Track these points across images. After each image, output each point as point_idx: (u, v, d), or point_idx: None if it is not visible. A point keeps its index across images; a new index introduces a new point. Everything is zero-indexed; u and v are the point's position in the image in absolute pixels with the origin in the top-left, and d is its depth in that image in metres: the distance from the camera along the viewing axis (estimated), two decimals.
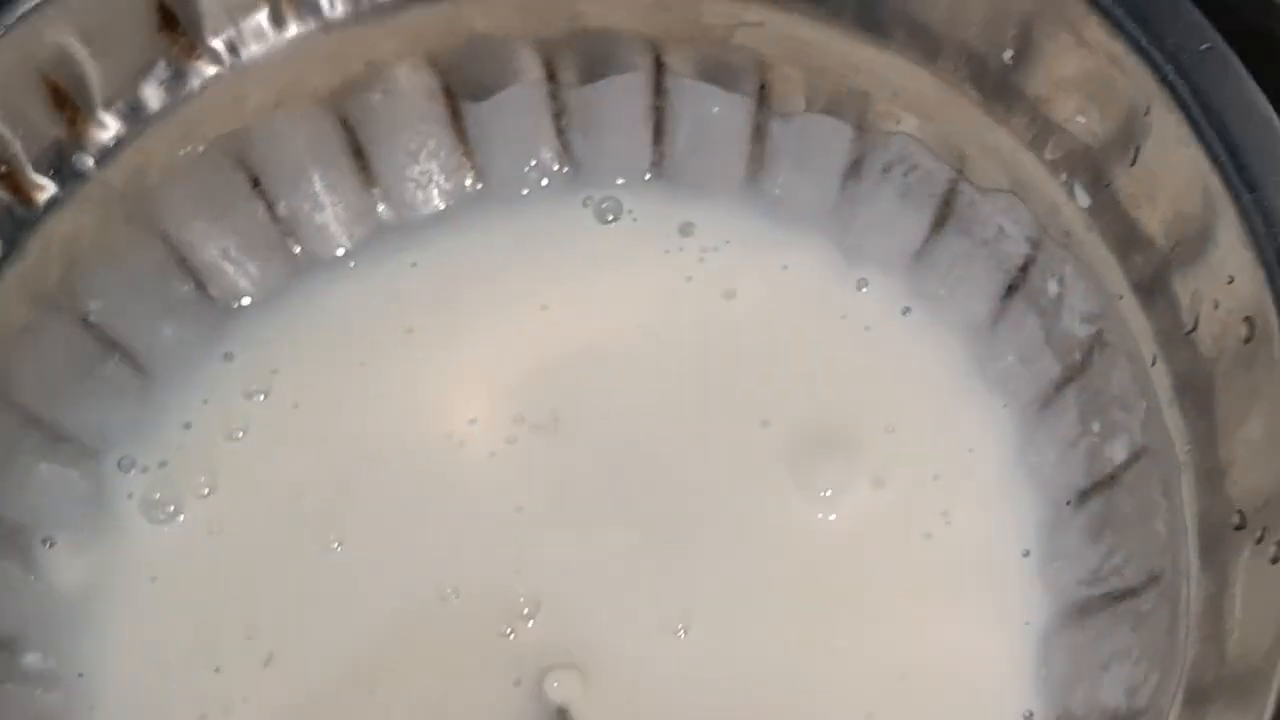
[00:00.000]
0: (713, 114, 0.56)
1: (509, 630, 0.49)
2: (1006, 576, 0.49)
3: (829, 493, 0.51)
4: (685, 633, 0.49)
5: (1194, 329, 0.42)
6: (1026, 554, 0.49)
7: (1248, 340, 0.39)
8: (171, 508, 0.52)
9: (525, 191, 0.58)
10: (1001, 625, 0.48)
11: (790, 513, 0.51)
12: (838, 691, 0.48)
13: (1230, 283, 0.40)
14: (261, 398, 0.54)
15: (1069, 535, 0.49)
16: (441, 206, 0.58)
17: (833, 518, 0.51)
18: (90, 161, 0.50)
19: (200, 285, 0.55)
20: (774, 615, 0.50)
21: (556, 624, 0.50)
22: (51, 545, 0.51)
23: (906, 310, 0.54)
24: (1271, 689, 0.34)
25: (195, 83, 0.52)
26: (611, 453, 0.53)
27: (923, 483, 0.51)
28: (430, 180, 0.58)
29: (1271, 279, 0.38)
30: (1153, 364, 0.44)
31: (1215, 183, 0.40)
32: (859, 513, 0.51)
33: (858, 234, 0.55)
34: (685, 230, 0.56)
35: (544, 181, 0.58)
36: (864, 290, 0.55)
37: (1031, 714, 0.47)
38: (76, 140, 0.50)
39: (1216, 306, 0.41)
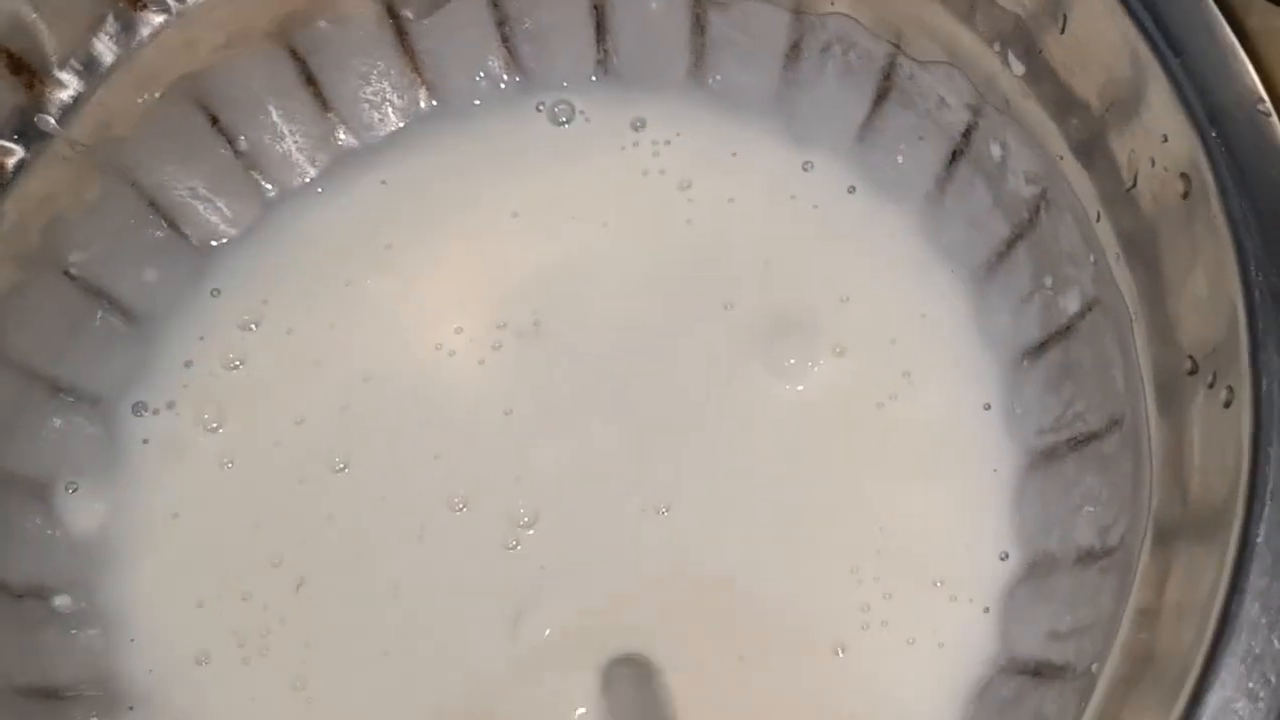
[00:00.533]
0: (651, 9, 0.57)
1: (514, 542, 0.52)
2: (971, 429, 0.52)
3: (793, 363, 0.54)
4: (667, 511, 0.52)
5: (1134, 186, 0.44)
6: (988, 407, 0.52)
7: (1185, 196, 0.41)
8: (184, 446, 0.55)
9: (478, 103, 0.59)
10: (971, 475, 0.52)
11: (759, 388, 0.54)
12: (821, 550, 0.51)
13: (1165, 141, 0.42)
14: (254, 328, 0.56)
15: (1028, 387, 0.52)
16: (400, 125, 0.59)
17: (800, 388, 0.54)
18: (53, 121, 0.51)
19: (175, 227, 0.57)
20: (752, 484, 0.53)
21: (553, 522, 0.52)
22: (74, 491, 0.53)
23: (852, 189, 0.56)
24: (1233, 527, 0.37)
25: (145, 32, 0.53)
26: (590, 350, 0.55)
27: (882, 349, 0.54)
28: (384, 100, 0.59)
29: (1203, 138, 0.40)
30: (1097, 220, 0.46)
31: (1143, 48, 0.42)
32: (824, 381, 0.54)
33: (803, 117, 0.57)
34: (637, 126, 0.58)
35: (498, 89, 0.59)
36: (810, 172, 0.57)
37: (1007, 555, 0.50)
38: (37, 102, 0.51)
39: (1153, 164, 0.43)
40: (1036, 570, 0.49)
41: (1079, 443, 0.49)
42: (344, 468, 0.53)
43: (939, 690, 0.48)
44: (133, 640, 0.52)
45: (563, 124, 0.59)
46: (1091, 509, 0.47)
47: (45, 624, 0.51)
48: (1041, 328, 0.51)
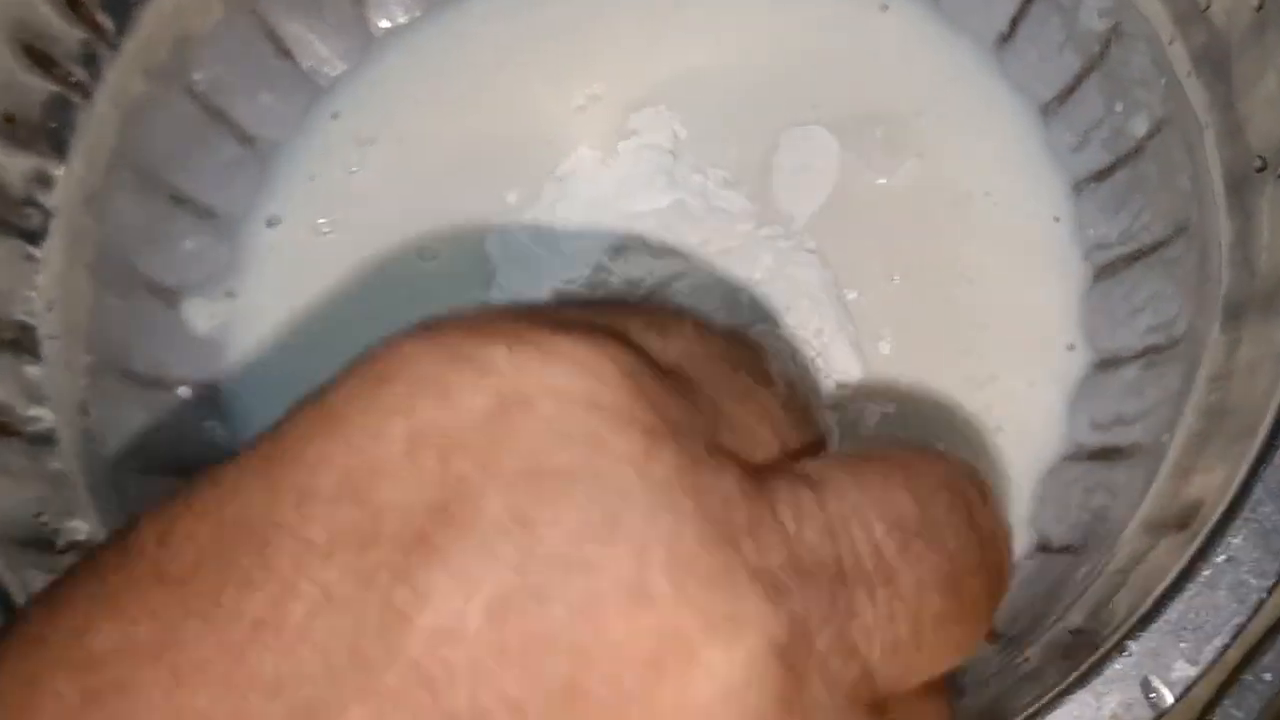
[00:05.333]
0: None
1: None
2: (1041, 238, 0.56)
3: (879, 158, 0.58)
4: None
5: (1208, 7, 0.48)
6: (1057, 220, 0.56)
7: (1260, 8, 0.46)
8: (305, 251, 0.58)
9: None
10: (1039, 276, 0.56)
11: (849, 172, 0.58)
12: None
13: None
14: (371, 146, 0.60)
15: (1096, 203, 0.56)
16: None
17: (881, 181, 0.58)
18: None
19: (289, 55, 0.60)
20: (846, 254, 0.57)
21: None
22: (200, 295, 0.57)
23: (927, 27, 0.60)
24: None
25: None
26: (698, 147, 0.59)
27: (955, 160, 0.58)
28: None
29: None
30: (1170, 44, 0.50)
31: None
32: (910, 175, 0.58)
33: None
34: None
35: None
36: (888, 11, 0.61)
37: (1073, 345, 0.54)
38: None
39: None
40: (1103, 365, 0.53)
41: (1145, 252, 0.53)
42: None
43: (1012, 470, 0.53)
44: (257, 428, 0.55)
45: None
46: (1156, 306, 0.51)
47: (170, 410, 0.55)
48: (1111, 151, 0.55)
